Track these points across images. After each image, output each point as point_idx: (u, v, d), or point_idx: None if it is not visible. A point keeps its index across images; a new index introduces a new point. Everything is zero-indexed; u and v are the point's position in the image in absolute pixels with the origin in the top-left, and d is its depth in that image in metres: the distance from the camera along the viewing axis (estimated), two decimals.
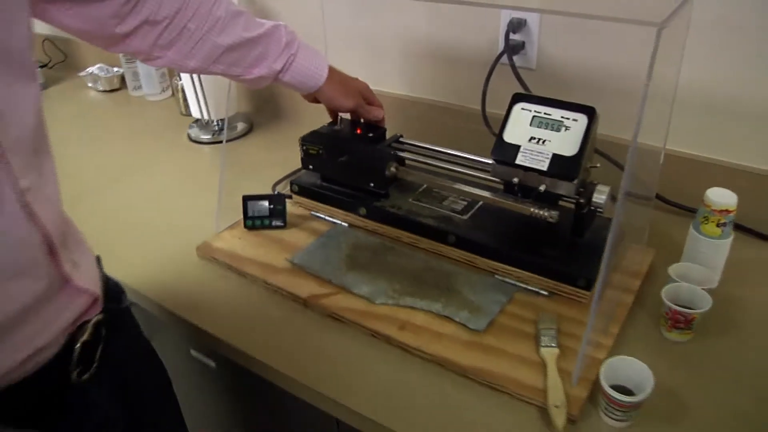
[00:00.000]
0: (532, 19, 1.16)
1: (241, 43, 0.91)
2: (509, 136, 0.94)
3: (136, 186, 1.36)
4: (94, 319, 0.73)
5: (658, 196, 1.13)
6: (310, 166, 1.15)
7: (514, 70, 1.17)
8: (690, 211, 1.11)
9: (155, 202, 1.29)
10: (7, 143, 0.59)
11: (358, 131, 1.10)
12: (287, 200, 1.14)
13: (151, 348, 0.92)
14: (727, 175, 1.06)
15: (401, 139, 1.13)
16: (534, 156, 0.92)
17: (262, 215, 1.12)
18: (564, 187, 0.91)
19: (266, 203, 1.12)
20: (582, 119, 0.90)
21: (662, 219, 1.14)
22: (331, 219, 1.14)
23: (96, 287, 0.74)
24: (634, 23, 0.68)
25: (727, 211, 0.91)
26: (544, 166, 0.90)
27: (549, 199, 0.93)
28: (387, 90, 1.45)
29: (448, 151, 1.08)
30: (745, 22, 0.99)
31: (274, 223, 1.12)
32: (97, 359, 0.74)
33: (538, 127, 0.93)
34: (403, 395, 0.81)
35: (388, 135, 1.12)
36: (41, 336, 0.66)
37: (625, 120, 1.09)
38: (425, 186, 1.13)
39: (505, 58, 1.19)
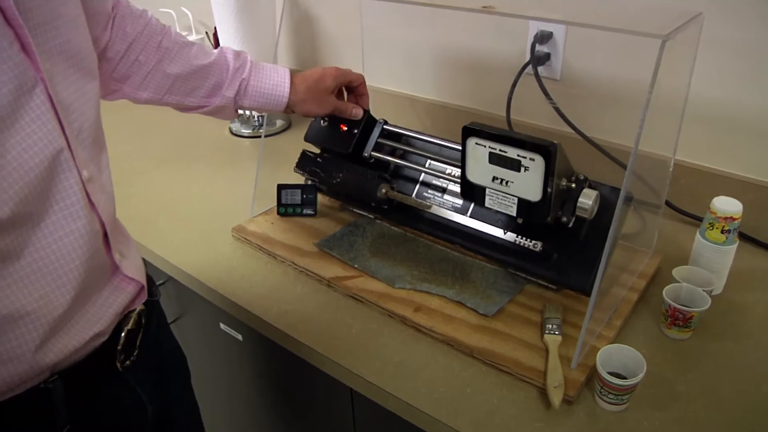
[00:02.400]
0: (559, 32, 1.22)
1: (191, 72, 0.94)
2: (472, 175, 0.92)
3: (179, 172, 1.46)
4: (138, 309, 0.79)
5: (668, 204, 1.18)
6: (316, 182, 1.19)
7: (539, 80, 1.23)
8: (699, 219, 1.15)
9: (196, 187, 1.38)
10: (72, 135, 0.66)
11: (342, 127, 1.13)
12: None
13: (176, 340, 0.98)
14: (737, 187, 1.11)
15: (386, 127, 1.14)
16: (501, 200, 0.91)
17: (295, 203, 1.20)
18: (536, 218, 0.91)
19: (299, 192, 1.20)
20: (539, 160, 0.84)
21: (673, 226, 1.18)
22: (358, 211, 1.21)
23: (142, 277, 0.79)
24: (641, 35, 0.73)
25: (732, 219, 0.96)
26: (512, 212, 0.91)
27: (530, 225, 0.96)
28: (419, 95, 1.52)
29: (428, 138, 1.10)
30: (756, 39, 1.04)
31: (305, 211, 1.20)
32: (137, 347, 0.79)
33: (497, 165, 0.88)
34: (412, 370, 0.87)
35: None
36: (98, 322, 0.71)
37: (645, 131, 1.14)
38: (422, 176, 1.12)
39: (531, 69, 1.26)
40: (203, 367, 1.32)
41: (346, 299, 1.01)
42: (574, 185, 0.90)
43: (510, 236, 0.99)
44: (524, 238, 0.97)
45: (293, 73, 1.02)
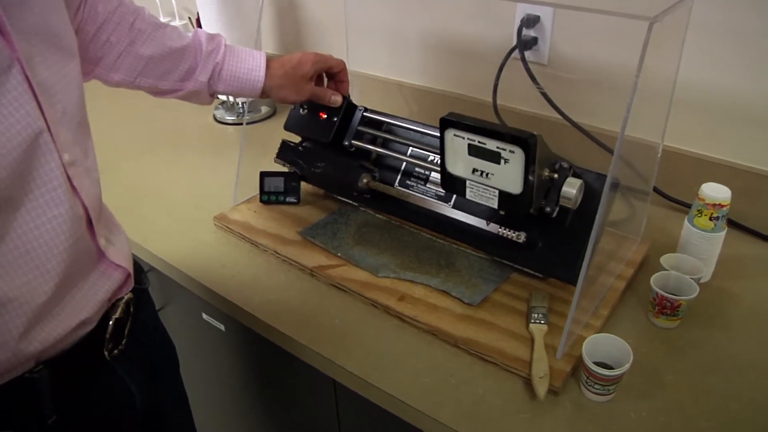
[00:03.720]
0: (546, 15, 1.20)
1: (164, 54, 0.92)
2: (452, 167, 0.90)
3: (162, 160, 1.43)
4: (126, 297, 0.77)
5: (657, 191, 1.17)
6: (298, 172, 1.17)
7: (525, 64, 1.21)
8: (688, 206, 1.14)
9: (179, 175, 1.36)
10: (54, 117, 0.64)
11: (321, 115, 1.11)
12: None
13: (164, 329, 0.96)
14: (726, 174, 1.09)
15: (366, 114, 1.11)
16: (481, 192, 0.89)
17: (278, 191, 1.18)
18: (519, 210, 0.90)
19: (282, 180, 1.18)
20: (519, 153, 0.82)
21: (661, 214, 1.17)
22: (342, 198, 1.19)
23: (129, 265, 0.78)
24: (628, 17, 0.71)
25: (720, 206, 0.94)
26: (494, 204, 0.89)
27: (514, 216, 0.94)
28: (405, 80, 1.50)
29: (409, 126, 1.08)
30: (746, 24, 1.02)
31: (288, 199, 1.18)
32: (126, 335, 0.78)
33: (476, 156, 0.87)
34: (395, 361, 0.86)
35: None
36: (84, 309, 0.70)
37: (633, 117, 1.12)
38: (404, 165, 1.09)
39: (518, 53, 1.24)
40: (186, 358, 1.29)
41: (329, 288, 0.99)
42: (557, 175, 0.88)
43: (493, 227, 0.97)
44: (507, 230, 0.95)
45: (270, 58, 0.99)
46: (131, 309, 0.79)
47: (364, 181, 1.07)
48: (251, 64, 0.97)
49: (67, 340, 0.69)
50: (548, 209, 0.89)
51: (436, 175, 1.05)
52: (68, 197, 0.65)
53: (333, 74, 1.06)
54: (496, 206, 0.89)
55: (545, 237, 0.94)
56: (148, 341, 0.87)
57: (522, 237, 0.94)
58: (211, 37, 0.96)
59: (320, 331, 0.91)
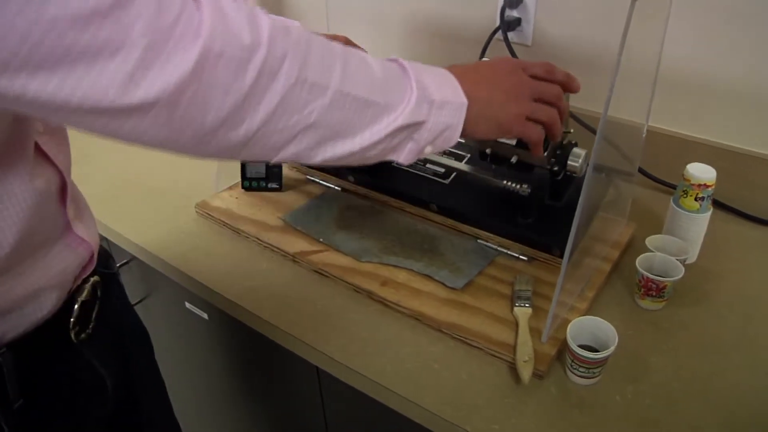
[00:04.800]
0: None
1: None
2: None
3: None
4: (92, 280, 0.75)
5: (642, 171, 1.16)
6: None
7: (509, 46, 1.19)
8: (673, 187, 1.13)
9: (159, 161, 1.33)
10: None
11: None
12: (284, 164, 1.18)
13: (137, 316, 0.94)
14: (711, 154, 1.08)
15: None
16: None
17: (259, 177, 1.16)
18: (536, 158, 0.91)
19: (263, 166, 1.15)
20: None
21: (647, 195, 1.16)
22: (324, 183, 1.17)
23: (94, 243, 0.76)
24: None
25: (706, 186, 0.93)
26: (512, 141, 0.90)
27: (523, 168, 0.94)
28: None
29: None
30: (730, 2, 1.00)
31: (270, 185, 1.16)
32: (93, 319, 0.76)
33: None
34: (378, 346, 0.84)
35: None
36: (44, 277, 0.68)
37: (617, 97, 1.11)
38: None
39: (501, 34, 1.22)
40: (171, 347, 1.29)
41: (312, 274, 0.97)
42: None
43: (497, 183, 0.99)
44: (513, 182, 0.96)
45: None
46: (98, 293, 0.77)
47: None
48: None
49: (26, 315, 0.66)
50: (557, 168, 0.92)
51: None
52: (43, 161, 0.64)
53: None
54: (514, 143, 0.90)
55: (540, 211, 0.97)
56: (118, 327, 0.85)
57: (526, 189, 0.95)
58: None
59: (302, 318, 0.90)
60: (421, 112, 0.64)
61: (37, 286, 0.67)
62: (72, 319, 0.72)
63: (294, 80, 0.54)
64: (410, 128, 0.65)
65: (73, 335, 0.73)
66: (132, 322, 0.93)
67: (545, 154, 0.87)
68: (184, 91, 0.49)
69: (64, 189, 0.68)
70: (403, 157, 0.67)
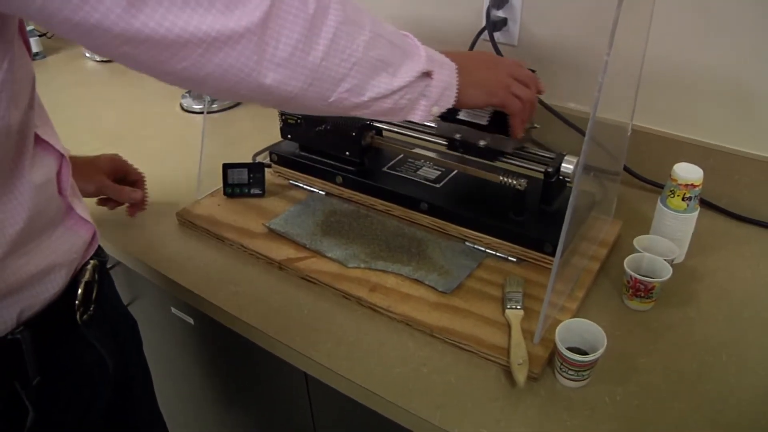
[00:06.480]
0: None
1: None
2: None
3: (126, 151, 1.37)
4: (92, 262, 0.78)
5: (628, 170, 1.16)
6: (289, 136, 1.16)
7: (495, 46, 1.19)
8: (660, 187, 1.13)
9: (144, 166, 1.31)
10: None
11: None
12: (267, 169, 1.16)
13: (126, 307, 0.96)
14: (698, 153, 1.09)
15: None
16: (475, 111, 0.96)
17: (242, 183, 1.14)
18: (504, 143, 0.95)
19: (245, 171, 1.14)
20: None
21: (634, 194, 1.16)
22: (308, 187, 1.16)
23: (92, 222, 0.78)
24: None
25: (693, 186, 0.93)
26: (484, 121, 0.95)
27: (490, 155, 0.98)
28: None
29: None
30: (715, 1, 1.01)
31: (253, 191, 1.15)
32: (93, 300, 0.78)
33: None
34: (366, 351, 0.83)
35: None
36: (54, 253, 0.70)
37: (602, 96, 1.11)
38: (401, 156, 1.15)
39: (487, 34, 1.21)
40: (157, 353, 1.27)
41: (299, 281, 0.96)
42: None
43: (494, 177, 0.99)
44: (510, 177, 0.96)
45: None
46: (96, 276, 0.79)
47: (368, 138, 1.10)
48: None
49: (39, 293, 0.69)
50: (551, 169, 0.94)
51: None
52: (39, 151, 0.66)
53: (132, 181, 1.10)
54: (485, 123, 0.95)
55: (530, 213, 0.99)
56: (112, 314, 0.87)
57: (523, 184, 0.95)
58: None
59: (290, 323, 0.88)
60: (432, 63, 0.72)
61: (48, 262, 0.69)
62: (77, 301, 0.75)
63: (342, 17, 0.62)
64: (425, 80, 0.72)
65: (78, 316, 0.75)
66: (123, 311, 0.94)
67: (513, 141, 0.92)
68: (270, 14, 0.56)
69: (61, 171, 0.70)
70: (419, 114, 0.74)
